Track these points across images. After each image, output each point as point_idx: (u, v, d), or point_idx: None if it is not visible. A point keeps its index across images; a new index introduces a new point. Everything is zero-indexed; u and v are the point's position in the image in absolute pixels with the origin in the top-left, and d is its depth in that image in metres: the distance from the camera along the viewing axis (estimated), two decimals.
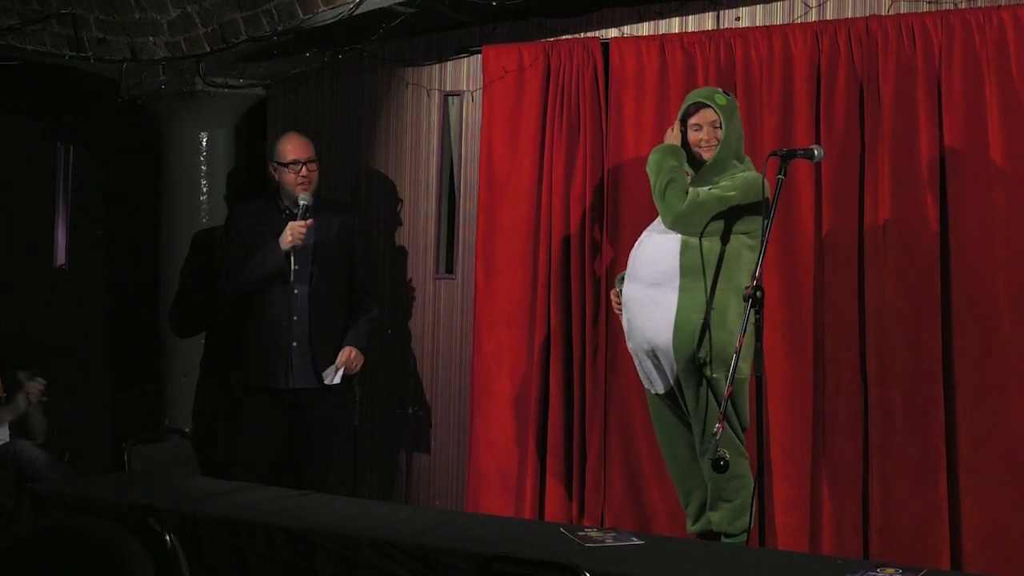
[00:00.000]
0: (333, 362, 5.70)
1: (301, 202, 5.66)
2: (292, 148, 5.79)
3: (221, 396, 6.44)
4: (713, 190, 4.74)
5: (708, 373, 4.66)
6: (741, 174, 4.79)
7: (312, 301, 5.69)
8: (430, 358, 6.21)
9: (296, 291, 5.68)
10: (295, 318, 5.68)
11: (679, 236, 4.76)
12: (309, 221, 5.63)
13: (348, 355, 5.72)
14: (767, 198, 4.65)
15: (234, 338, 6.10)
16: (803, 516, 5.17)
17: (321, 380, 5.68)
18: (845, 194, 5.17)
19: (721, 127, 4.80)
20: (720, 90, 4.92)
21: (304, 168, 5.74)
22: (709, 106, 4.82)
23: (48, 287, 7.61)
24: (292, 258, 5.59)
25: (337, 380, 5.69)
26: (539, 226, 5.72)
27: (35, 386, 5.82)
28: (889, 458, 5.05)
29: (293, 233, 5.58)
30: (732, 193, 4.70)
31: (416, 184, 6.27)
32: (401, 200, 6.30)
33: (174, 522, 4.06)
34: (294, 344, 5.67)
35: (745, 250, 4.71)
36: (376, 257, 6.28)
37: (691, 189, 4.75)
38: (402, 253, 6.28)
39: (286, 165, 5.75)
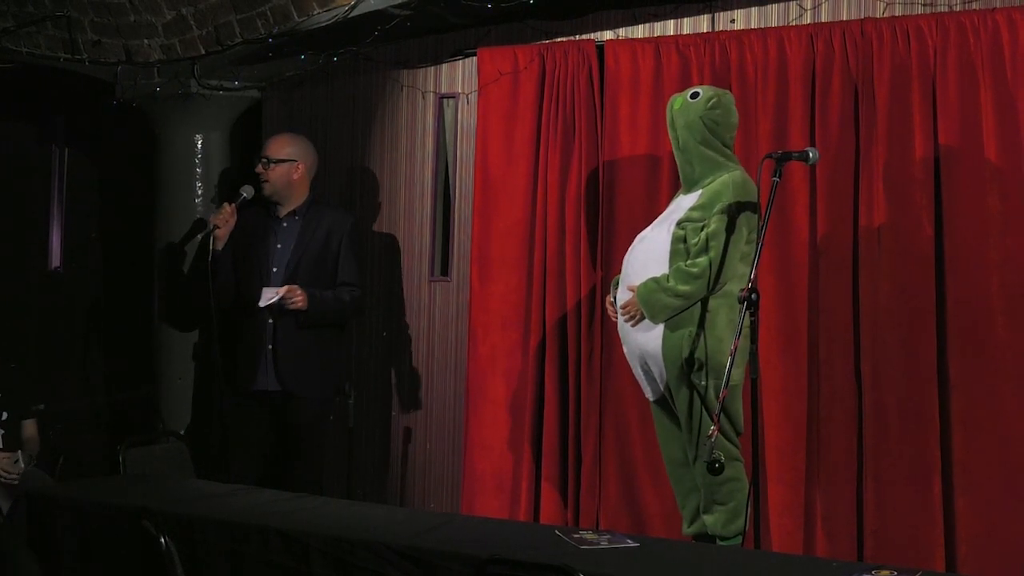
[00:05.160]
0: (305, 367, 5.69)
1: (241, 191, 5.78)
2: (267, 144, 5.92)
3: (215, 398, 6.43)
4: (709, 252, 4.67)
5: (698, 381, 4.66)
6: (714, 184, 4.76)
7: (285, 305, 5.67)
8: (425, 361, 6.21)
9: None
10: (270, 321, 5.68)
11: (668, 242, 4.76)
12: (233, 206, 5.75)
13: (292, 288, 5.57)
14: (756, 202, 4.64)
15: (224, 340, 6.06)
16: (797, 519, 5.17)
17: (293, 386, 5.66)
18: (840, 197, 5.17)
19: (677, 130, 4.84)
20: (692, 90, 4.91)
21: (259, 164, 5.82)
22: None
23: (43, 289, 7.60)
24: (212, 240, 5.68)
25: (267, 302, 5.55)
26: (534, 228, 5.72)
27: (6, 459, 5.68)
28: (883, 460, 5.05)
29: (211, 217, 5.72)
30: (714, 227, 4.67)
31: (411, 186, 6.27)
32: (396, 202, 6.29)
33: (169, 524, 4.06)
34: (269, 347, 5.68)
35: (736, 256, 4.71)
36: (371, 259, 6.28)
37: (689, 268, 4.67)
38: (397, 255, 6.28)
39: (260, 159, 5.86)
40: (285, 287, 5.57)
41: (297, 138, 5.99)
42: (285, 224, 5.82)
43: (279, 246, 5.76)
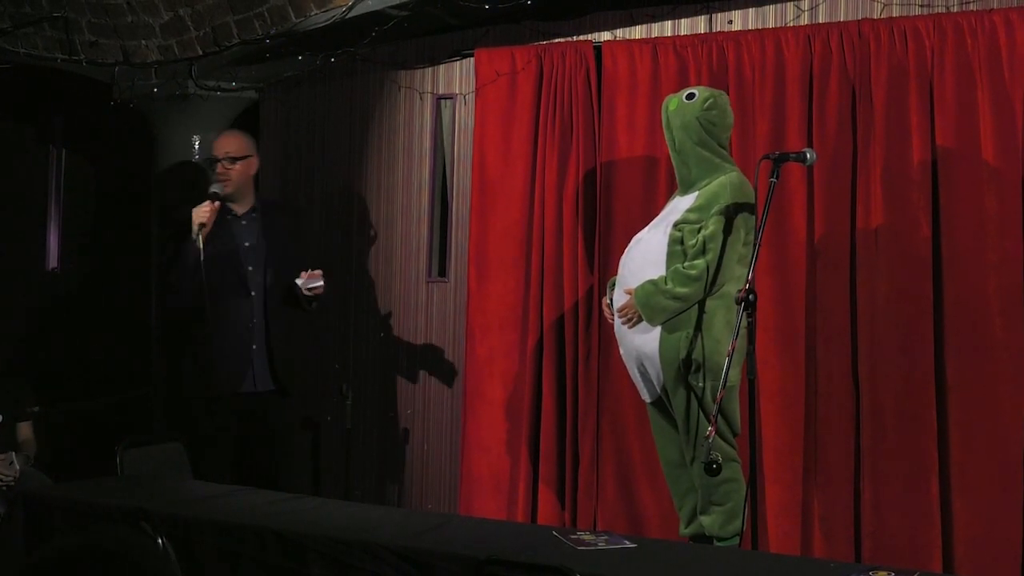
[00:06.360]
0: (292, 363, 5.67)
1: (211, 190, 5.69)
2: (219, 143, 5.78)
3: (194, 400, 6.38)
4: (706, 254, 4.68)
5: (695, 382, 4.66)
6: (711, 185, 4.76)
7: (268, 303, 5.64)
8: (422, 361, 6.21)
9: (253, 293, 5.65)
10: (254, 320, 5.65)
11: (665, 244, 4.76)
12: (215, 204, 5.57)
13: (322, 274, 5.57)
14: (753, 203, 4.64)
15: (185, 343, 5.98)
16: (795, 519, 5.17)
17: (279, 384, 5.63)
18: (837, 198, 5.18)
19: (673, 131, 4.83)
20: (687, 91, 4.89)
21: (219, 165, 5.71)
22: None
23: (40, 290, 7.60)
24: (200, 241, 5.50)
25: (313, 285, 5.53)
26: (532, 229, 5.72)
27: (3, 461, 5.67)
28: (881, 461, 5.05)
29: (195, 215, 5.57)
30: (712, 229, 4.67)
31: (409, 187, 6.27)
32: (394, 203, 6.29)
33: (166, 525, 4.05)
34: (254, 347, 5.65)
35: (733, 257, 4.71)
36: (368, 259, 6.28)
37: (687, 270, 4.67)
38: (394, 256, 6.28)
39: (216, 160, 5.74)
40: (319, 271, 5.56)
41: (244, 133, 5.92)
42: (244, 222, 5.73)
43: (247, 244, 5.68)
